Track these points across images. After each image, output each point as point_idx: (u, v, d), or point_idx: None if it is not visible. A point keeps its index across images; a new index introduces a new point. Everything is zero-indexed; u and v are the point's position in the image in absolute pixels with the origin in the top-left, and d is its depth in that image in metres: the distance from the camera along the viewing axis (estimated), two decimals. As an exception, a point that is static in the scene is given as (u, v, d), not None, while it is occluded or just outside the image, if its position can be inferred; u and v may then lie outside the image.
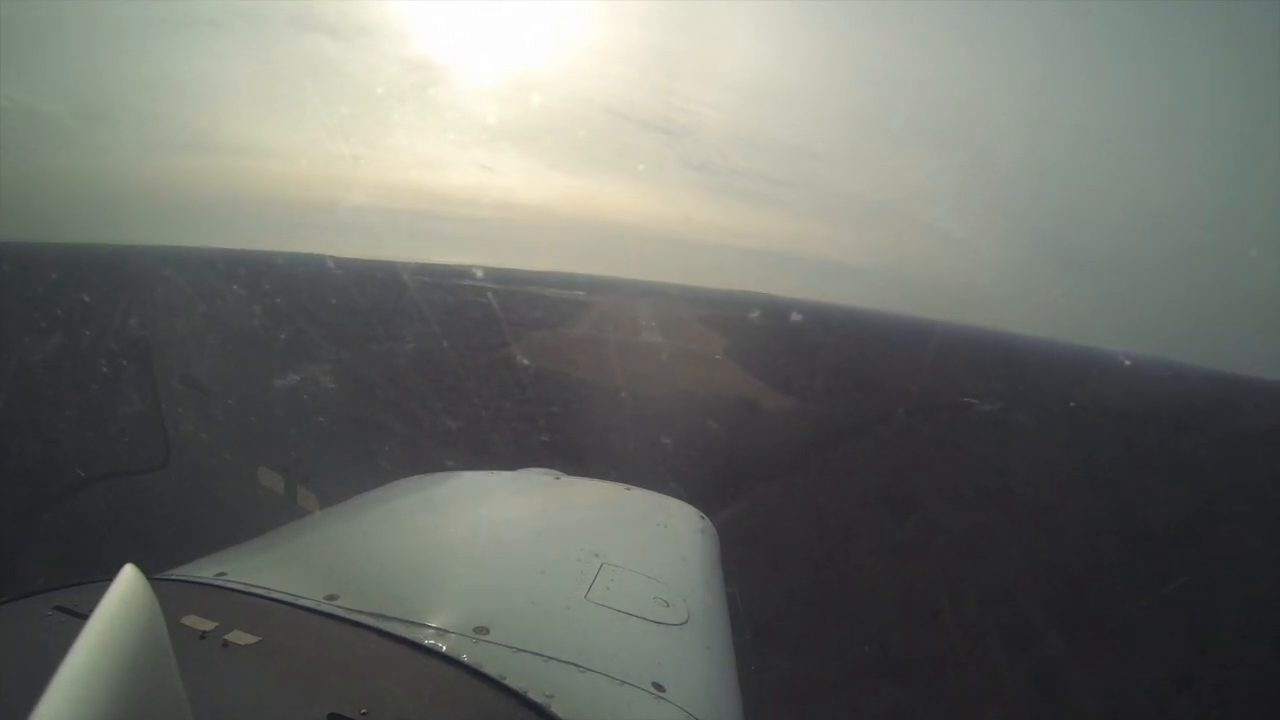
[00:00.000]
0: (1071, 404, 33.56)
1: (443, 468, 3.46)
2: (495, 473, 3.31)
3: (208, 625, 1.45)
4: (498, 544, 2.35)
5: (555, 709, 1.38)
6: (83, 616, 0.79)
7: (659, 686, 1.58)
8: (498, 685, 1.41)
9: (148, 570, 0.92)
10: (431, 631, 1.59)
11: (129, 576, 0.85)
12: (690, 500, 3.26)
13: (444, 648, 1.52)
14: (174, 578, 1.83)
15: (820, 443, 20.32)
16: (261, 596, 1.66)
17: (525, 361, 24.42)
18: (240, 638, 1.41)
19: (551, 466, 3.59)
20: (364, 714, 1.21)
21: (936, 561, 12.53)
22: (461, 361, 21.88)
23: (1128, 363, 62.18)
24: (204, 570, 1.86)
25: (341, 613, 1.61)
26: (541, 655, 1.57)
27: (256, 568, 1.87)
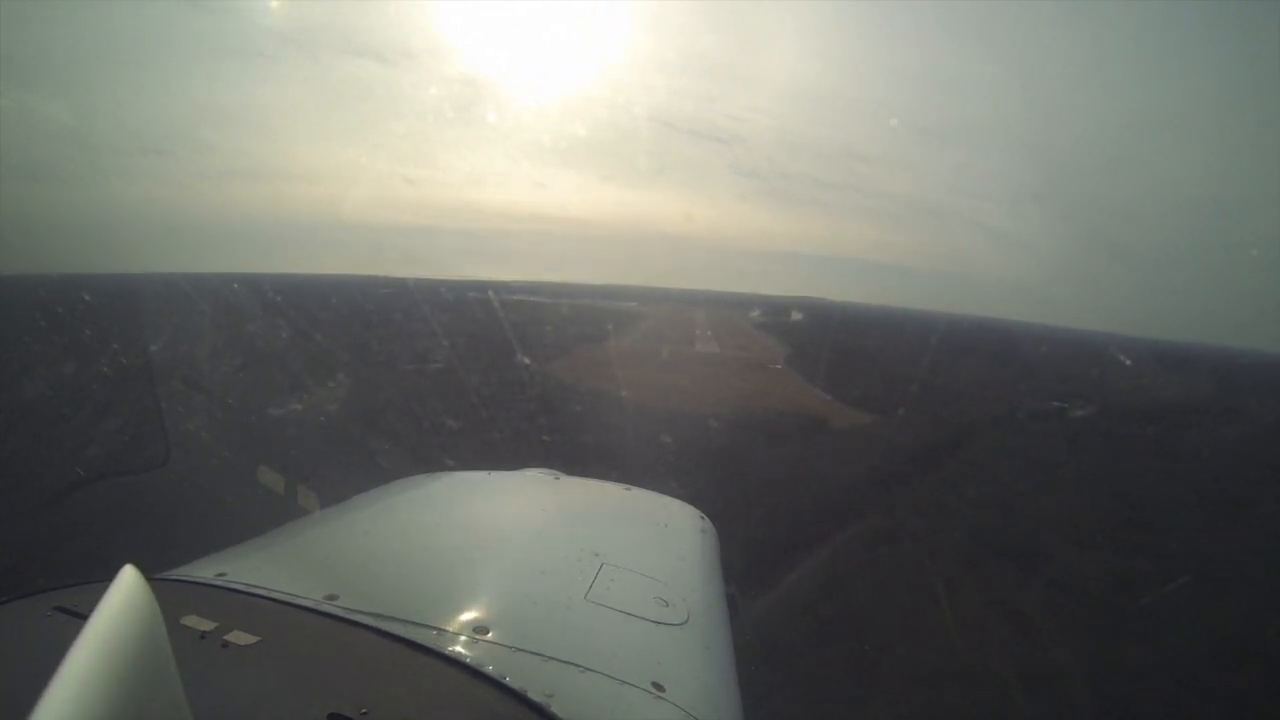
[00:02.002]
0: (1162, 402, 29.64)
1: (443, 468, 3.46)
2: (495, 473, 3.31)
3: (208, 625, 1.45)
4: (498, 544, 2.35)
5: (555, 709, 1.38)
6: (82, 616, 0.79)
7: (659, 686, 1.58)
8: (498, 685, 1.42)
9: (148, 570, 0.92)
10: (431, 631, 1.59)
11: (129, 576, 0.85)
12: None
13: (444, 648, 1.52)
14: (174, 578, 1.83)
15: (907, 471, 17.02)
16: (261, 596, 1.67)
17: (570, 377, 23.36)
18: (240, 638, 1.42)
19: (551, 467, 3.59)
20: (364, 714, 1.21)
21: (1104, 658, 8.71)
22: (519, 376, 20.80)
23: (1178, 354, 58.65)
24: (204, 570, 1.87)
25: (341, 613, 1.61)
26: (541, 655, 1.57)
27: (256, 568, 1.87)
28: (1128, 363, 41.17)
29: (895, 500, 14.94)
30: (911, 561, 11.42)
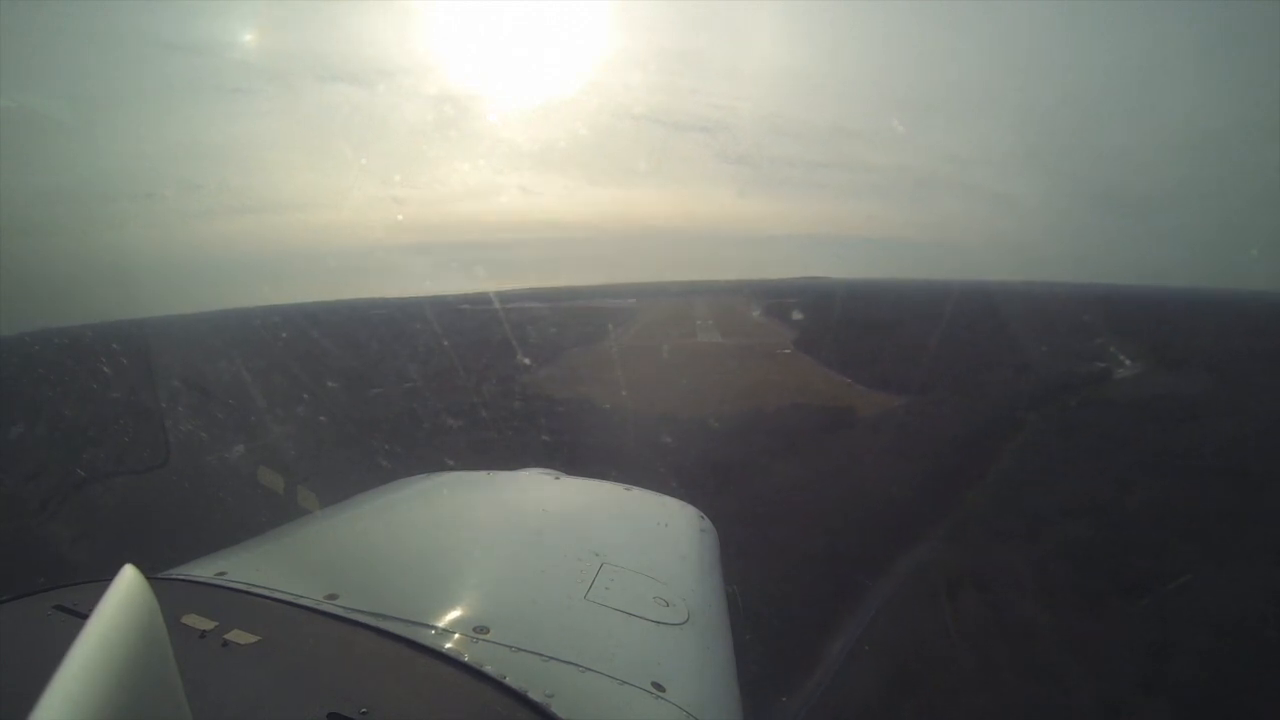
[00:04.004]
0: (1208, 353, 25.94)
1: (443, 468, 3.46)
2: (495, 473, 3.30)
3: (208, 625, 1.45)
4: (498, 544, 2.35)
5: (555, 709, 1.38)
6: (83, 616, 0.79)
7: (659, 686, 1.58)
8: (498, 685, 1.41)
9: (148, 570, 0.92)
10: (431, 631, 1.59)
11: (129, 576, 0.86)
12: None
13: (444, 647, 1.52)
14: (174, 577, 1.83)
15: (963, 466, 13.01)
16: (262, 596, 1.67)
17: (564, 381, 22.15)
18: (240, 637, 1.42)
19: (551, 466, 3.58)
20: (364, 714, 1.21)
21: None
22: (515, 378, 19.59)
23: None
24: (204, 570, 1.87)
25: (341, 612, 1.61)
26: (541, 655, 1.57)
27: (256, 567, 1.87)
28: (1143, 314, 38.31)
29: (962, 514, 11.29)
30: (1013, 618, 7.68)
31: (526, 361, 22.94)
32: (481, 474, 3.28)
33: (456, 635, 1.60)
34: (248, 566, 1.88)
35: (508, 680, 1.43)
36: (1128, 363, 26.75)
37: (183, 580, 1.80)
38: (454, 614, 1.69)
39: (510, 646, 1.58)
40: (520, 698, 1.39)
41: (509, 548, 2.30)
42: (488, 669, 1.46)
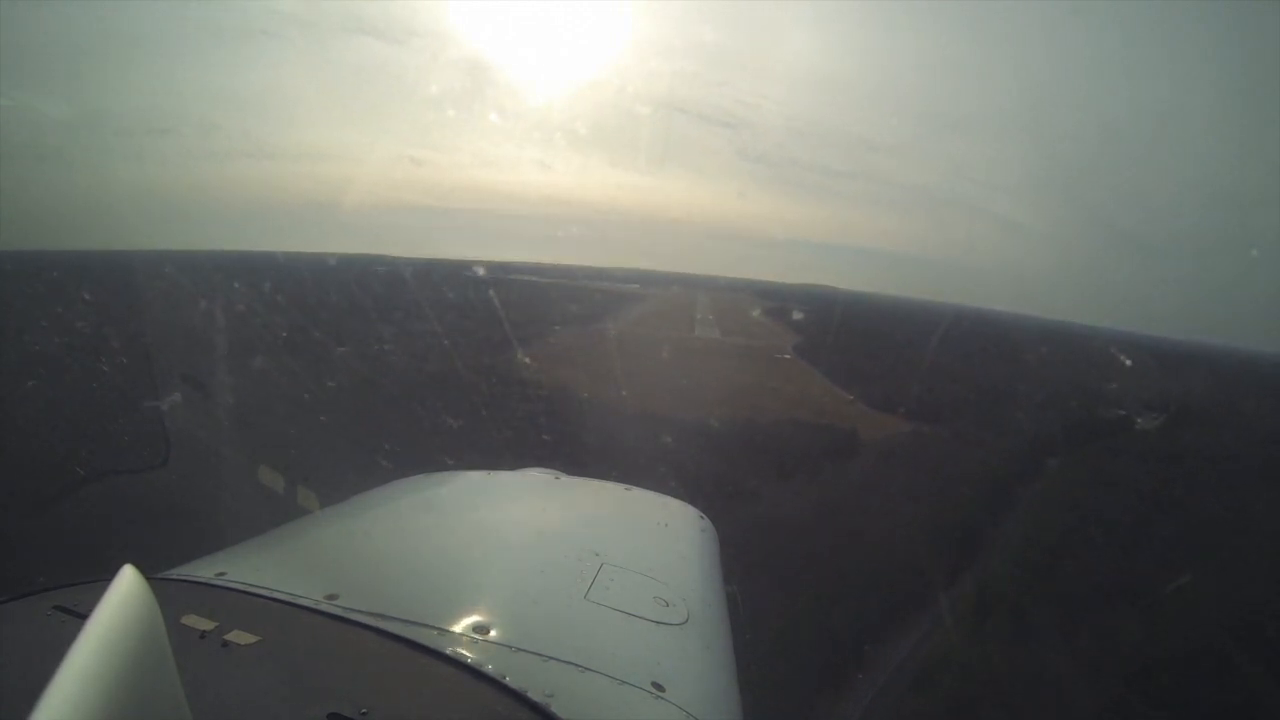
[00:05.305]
0: (1234, 410, 24.85)
1: (443, 467, 3.45)
2: (495, 473, 3.30)
3: (208, 625, 1.45)
4: (498, 544, 2.35)
5: (555, 709, 1.38)
6: (82, 616, 0.80)
7: (659, 686, 1.58)
8: (498, 685, 1.42)
9: (148, 570, 0.92)
10: (431, 631, 1.59)
11: (128, 577, 0.86)
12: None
13: (444, 647, 1.52)
14: (174, 578, 1.83)
15: (979, 522, 11.53)
16: (261, 596, 1.67)
17: (538, 374, 21.39)
18: (240, 637, 1.42)
19: (551, 466, 3.58)
20: (364, 714, 1.21)
21: None
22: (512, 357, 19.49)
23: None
24: (204, 570, 1.87)
25: (341, 613, 1.61)
26: (541, 655, 1.57)
27: (256, 568, 1.87)
28: (1158, 364, 38.31)
29: (985, 587, 9.49)
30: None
31: (514, 342, 22.44)
32: (481, 474, 3.28)
33: (457, 635, 1.60)
34: (248, 567, 1.88)
35: (508, 680, 1.43)
36: (1154, 414, 25.93)
37: (182, 580, 1.80)
38: (454, 614, 1.69)
39: (510, 646, 1.58)
40: (520, 698, 1.39)
41: (509, 548, 2.31)
42: (488, 669, 1.46)
